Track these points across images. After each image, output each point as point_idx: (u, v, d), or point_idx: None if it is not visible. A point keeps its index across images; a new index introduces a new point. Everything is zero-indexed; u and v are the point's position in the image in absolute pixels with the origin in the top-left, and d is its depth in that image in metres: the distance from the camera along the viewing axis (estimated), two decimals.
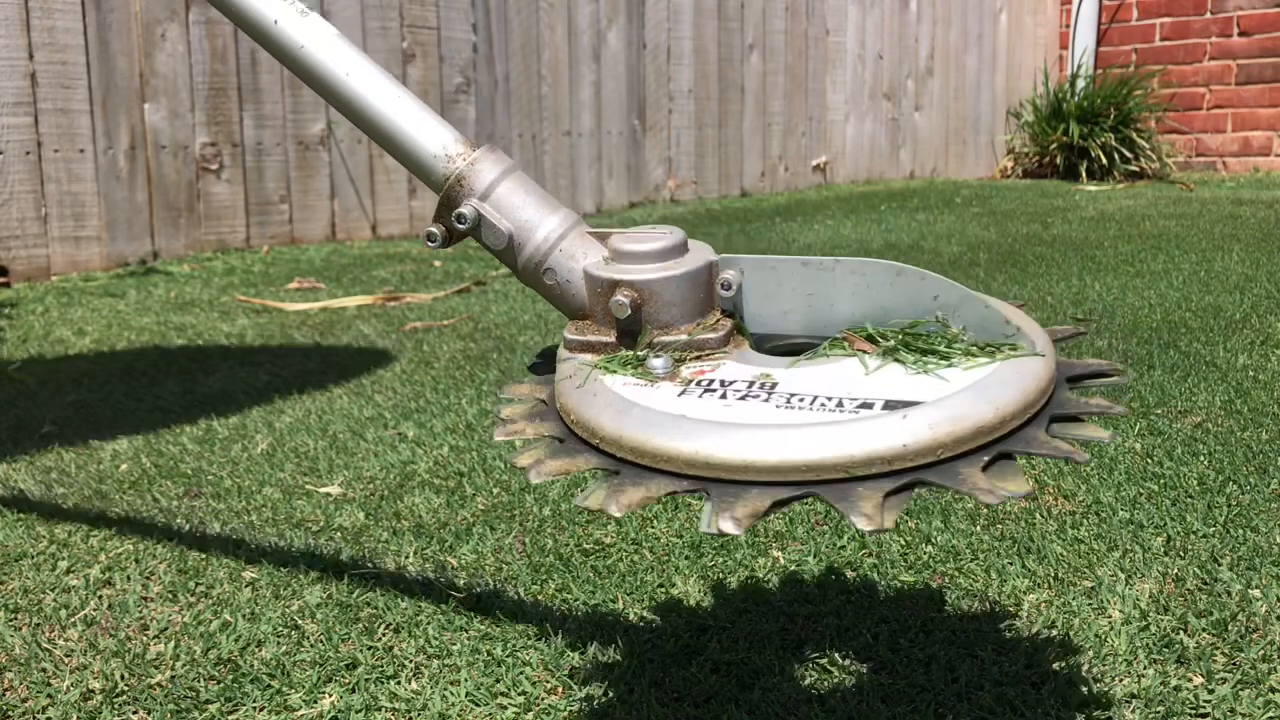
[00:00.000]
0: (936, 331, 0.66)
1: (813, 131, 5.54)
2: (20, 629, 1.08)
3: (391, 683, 0.96)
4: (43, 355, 2.29)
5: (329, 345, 2.34)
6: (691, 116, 5.00)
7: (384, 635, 1.05)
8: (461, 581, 1.16)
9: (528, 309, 2.64)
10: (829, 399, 0.61)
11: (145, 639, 1.05)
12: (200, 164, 3.54)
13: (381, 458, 1.56)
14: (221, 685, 0.96)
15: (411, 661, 1.00)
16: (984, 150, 6.40)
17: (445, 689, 0.95)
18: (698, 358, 0.70)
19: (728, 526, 0.54)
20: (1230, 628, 1.01)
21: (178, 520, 1.36)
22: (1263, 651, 0.97)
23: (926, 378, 0.62)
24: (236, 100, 3.59)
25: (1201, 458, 1.44)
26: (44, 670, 1.00)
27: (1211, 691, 0.91)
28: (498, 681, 0.96)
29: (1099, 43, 6.40)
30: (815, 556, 1.18)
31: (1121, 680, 0.93)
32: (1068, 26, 6.50)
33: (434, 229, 0.76)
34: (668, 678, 0.96)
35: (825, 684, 0.95)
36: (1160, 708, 0.89)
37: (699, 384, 0.66)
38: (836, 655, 0.99)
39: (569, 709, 0.92)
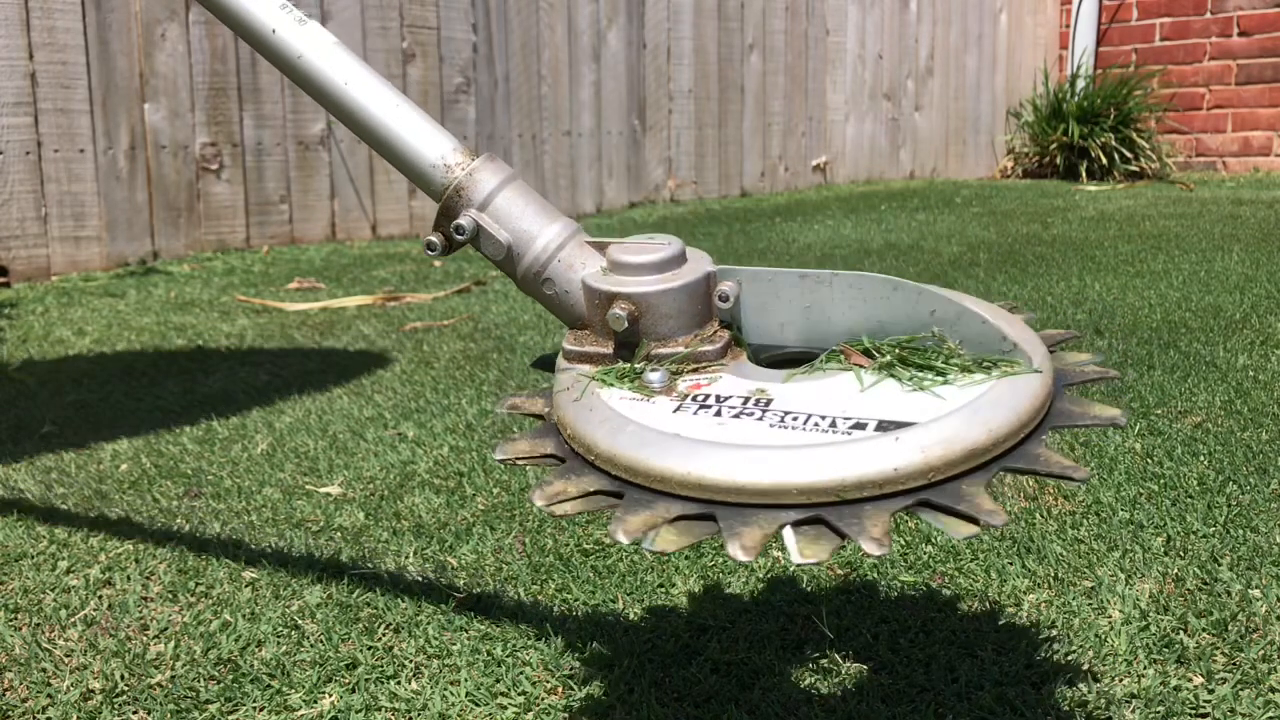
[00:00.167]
0: (933, 347, 0.66)
1: (813, 131, 5.55)
2: (20, 629, 1.08)
3: (391, 683, 0.96)
4: (43, 355, 2.29)
5: (329, 345, 2.34)
6: (691, 116, 5.00)
7: (384, 635, 1.05)
8: (461, 581, 1.16)
9: (528, 309, 2.64)
10: (823, 418, 0.61)
11: (145, 639, 1.05)
12: (200, 164, 3.54)
13: (381, 458, 1.56)
14: (221, 685, 0.96)
15: (411, 661, 1.00)
16: (984, 150, 6.40)
17: (445, 689, 0.95)
18: (695, 370, 0.70)
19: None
20: (1230, 628, 1.01)
21: (178, 520, 1.36)
22: (1263, 651, 0.97)
23: (922, 395, 0.62)
24: (236, 100, 3.59)
25: (1201, 458, 1.45)
26: (44, 670, 1.00)
27: (1211, 691, 0.91)
28: (498, 681, 0.96)
29: (1099, 43, 6.40)
30: None
31: (1121, 680, 0.93)
32: (1068, 26, 6.50)
33: (434, 238, 0.76)
34: (668, 678, 0.96)
35: (825, 684, 0.95)
36: (1160, 708, 0.89)
37: (694, 399, 0.66)
38: (836, 655, 0.99)
39: (569, 709, 0.92)
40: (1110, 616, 1.04)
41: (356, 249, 3.76)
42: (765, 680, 0.95)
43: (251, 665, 0.99)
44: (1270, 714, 0.88)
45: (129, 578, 1.18)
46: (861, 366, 0.66)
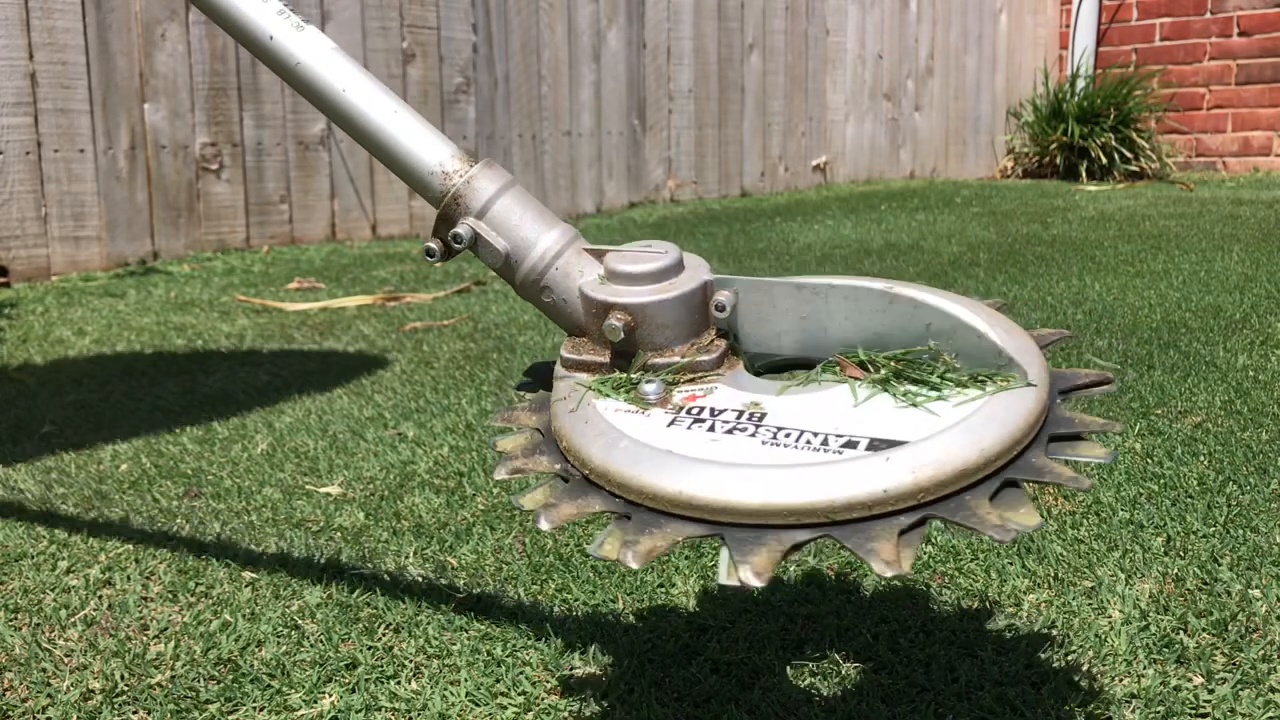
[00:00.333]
0: (928, 361, 0.66)
1: (813, 131, 5.55)
2: (20, 629, 1.08)
3: (391, 683, 0.96)
4: (43, 355, 2.29)
5: (329, 345, 2.34)
6: (691, 116, 5.00)
7: (384, 635, 1.05)
8: (461, 581, 1.16)
9: (528, 309, 2.64)
10: (815, 435, 0.61)
11: (145, 639, 1.05)
12: (200, 164, 3.54)
13: (381, 458, 1.56)
14: (221, 685, 0.96)
15: (411, 661, 1.00)
16: (984, 150, 6.40)
17: (445, 689, 0.95)
18: (691, 380, 0.70)
19: (749, 579, 0.54)
20: (1230, 628, 1.01)
21: (178, 520, 1.36)
22: (1263, 651, 0.97)
23: (915, 411, 0.62)
24: (236, 100, 3.59)
25: (1201, 458, 1.45)
26: (44, 670, 1.00)
27: (1211, 691, 0.91)
28: (498, 681, 0.96)
29: (1099, 43, 6.40)
30: (815, 556, 1.18)
31: (1121, 680, 0.93)
32: (1068, 26, 6.50)
33: (432, 244, 0.76)
34: (668, 678, 0.96)
35: (825, 684, 0.95)
36: (1160, 708, 0.89)
37: (689, 412, 0.66)
38: (836, 655, 0.99)
39: (569, 709, 0.92)
40: (1110, 616, 1.04)
41: (356, 249, 3.76)
42: (765, 680, 0.95)
43: (251, 665, 0.99)
44: (1270, 714, 0.88)
45: (129, 578, 1.18)
46: (857, 379, 0.66)
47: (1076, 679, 0.93)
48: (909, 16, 5.89)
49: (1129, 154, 5.75)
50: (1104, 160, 5.77)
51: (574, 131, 4.54)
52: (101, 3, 3.25)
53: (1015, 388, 0.62)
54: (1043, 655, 0.97)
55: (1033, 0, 6.45)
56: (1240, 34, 5.88)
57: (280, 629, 1.06)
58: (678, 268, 0.72)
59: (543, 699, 0.93)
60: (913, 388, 0.64)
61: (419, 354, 2.22)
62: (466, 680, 0.96)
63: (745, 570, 0.54)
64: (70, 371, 2.15)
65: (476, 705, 0.92)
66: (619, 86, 4.69)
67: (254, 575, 1.18)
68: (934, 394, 0.63)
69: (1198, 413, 1.64)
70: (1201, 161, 6.10)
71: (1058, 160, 6.01)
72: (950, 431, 0.59)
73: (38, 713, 0.93)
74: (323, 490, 1.45)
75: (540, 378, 0.80)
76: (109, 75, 3.29)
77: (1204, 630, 1.00)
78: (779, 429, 0.62)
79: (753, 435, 0.62)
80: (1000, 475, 0.59)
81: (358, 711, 0.92)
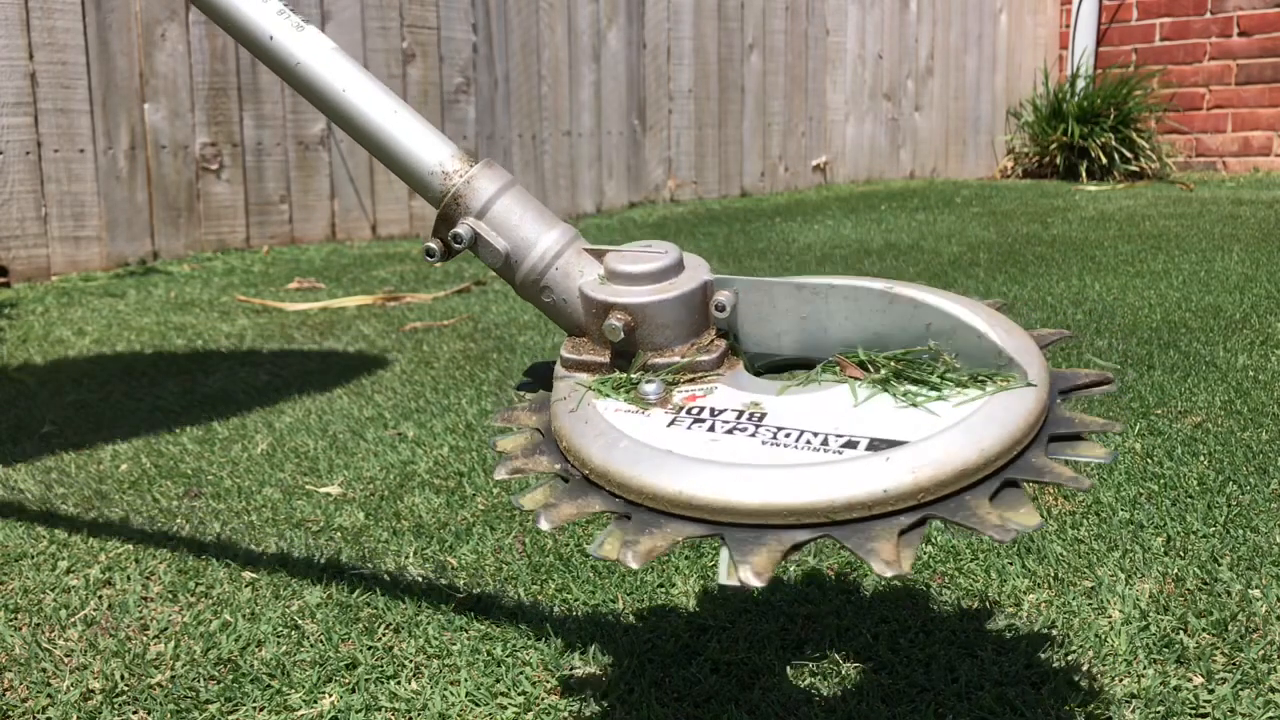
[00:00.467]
0: (928, 361, 0.66)
1: (813, 131, 5.55)
2: (20, 629, 1.08)
3: (391, 683, 0.96)
4: (43, 355, 2.29)
5: (329, 345, 2.34)
6: (691, 116, 5.00)
7: (384, 635, 1.05)
8: (461, 581, 1.16)
9: (528, 309, 2.64)
10: (815, 435, 0.61)
11: (145, 639, 1.05)
12: (200, 164, 3.54)
13: (381, 458, 1.56)
14: (221, 685, 0.96)
15: (411, 661, 1.00)
16: (984, 150, 6.40)
17: (445, 689, 0.95)
18: (691, 380, 0.70)
19: (749, 579, 0.54)
20: (1230, 628, 1.01)
21: (178, 520, 1.36)
22: (1263, 651, 0.97)
23: (915, 411, 0.62)
24: (236, 100, 3.59)
25: (1201, 458, 1.45)
26: (44, 670, 1.00)
27: (1211, 691, 0.91)
28: (498, 681, 0.96)
29: (1099, 43, 6.40)
30: (815, 556, 1.18)
31: (1121, 680, 0.93)
32: (1068, 26, 6.50)
33: (432, 244, 0.76)
34: (668, 678, 0.96)
35: (825, 684, 0.95)
36: (1160, 708, 0.89)
37: (689, 412, 0.66)
38: (836, 655, 0.99)
39: (569, 709, 0.92)
40: (1110, 616, 1.04)
41: (356, 249, 3.76)
42: (765, 680, 0.95)
43: (251, 665, 0.99)
44: (1270, 714, 0.88)
45: (129, 578, 1.18)
46: (857, 379, 0.66)
47: (1076, 679, 0.93)
48: (909, 16, 5.89)
49: (1129, 154, 5.75)
50: (1104, 160, 5.77)
51: (574, 131, 4.54)
52: (101, 3, 3.25)
53: (1015, 388, 0.62)
54: (1043, 655, 0.97)
55: (1033, 0, 6.45)
56: (1240, 34, 5.88)
57: (280, 629, 1.06)
58: (678, 268, 0.72)
59: (543, 699, 0.93)
60: (913, 388, 0.64)
61: (419, 354, 2.22)
62: (466, 680, 0.96)
63: (745, 570, 0.54)
64: (70, 371, 2.15)
65: (476, 705, 0.92)
66: (619, 86, 4.69)
67: (254, 575, 1.18)
68: (934, 394, 0.63)
69: (1198, 413, 1.64)
70: (1201, 161, 6.10)
71: (1058, 160, 6.01)
72: (950, 431, 0.59)
73: (38, 713, 0.93)
74: (323, 490, 1.45)
75: (540, 378, 0.80)
76: (109, 75, 3.29)
77: (1204, 630, 1.00)
78: (779, 429, 0.62)
79: (753, 435, 0.62)
80: (1000, 475, 0.59)
81: (358, 711, 0.92)
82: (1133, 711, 0.89)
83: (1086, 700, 0.90)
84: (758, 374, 0.73)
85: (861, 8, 5.65)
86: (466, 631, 1.05)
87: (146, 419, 1.81)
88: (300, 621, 1.07)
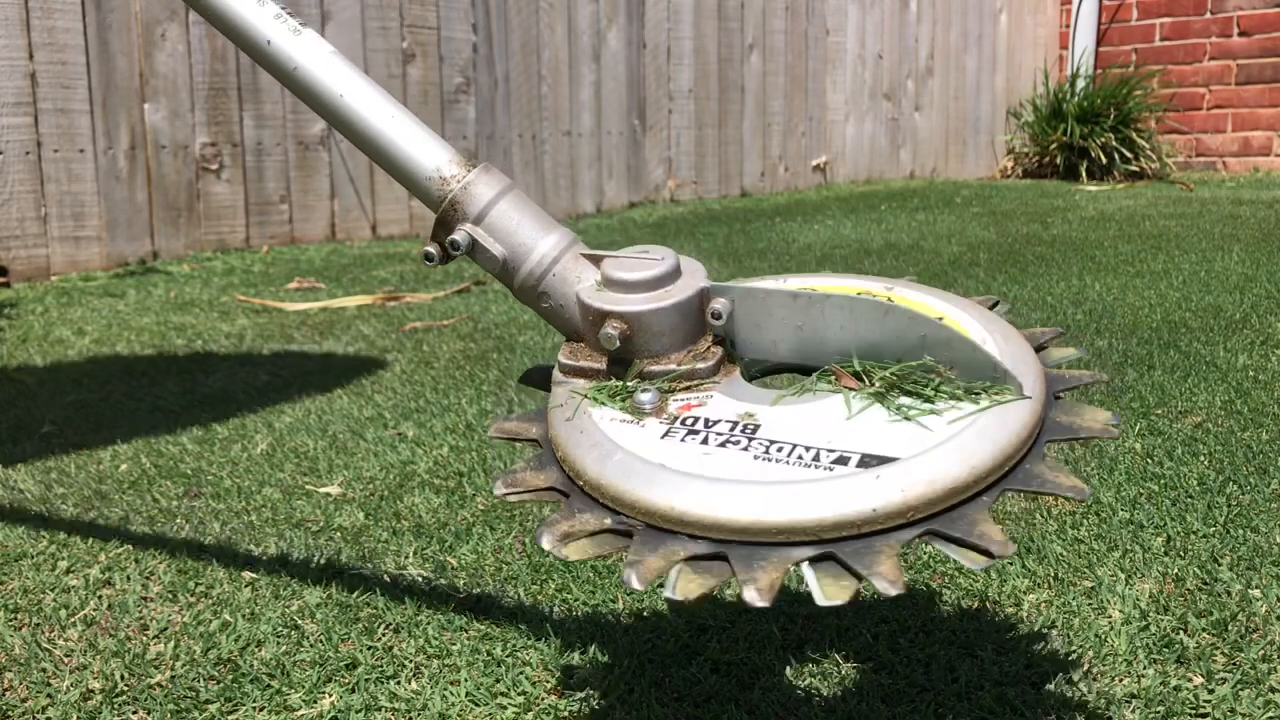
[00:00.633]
0: (922, 374, 0.66)
1: (813, 131, 5.54)
2: (20, 629, 1.08)
3: (391, 683, 0.96)
4: (43, 355, 2.29)
5: (329, 345, 2.34)
6: (691, 116, 5.00)
7: (384, 635, 1.05)
8: (461, 581, 1.16)
9: (527, 309, 2.64)
10: (807, 449, 0.61)
11: (145, 639, 1.05)
12: (200, 164, 3.54)
13: (381, 458, 1.56)
14: (221, 685, 0.96)
15: (411, 661, 1.00)
16: (984, 150, 6.40)
17: (445, 689, 0.95)
18: (687, 388, 0.70)
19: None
20: (1230, 628, 1.01)
21: (178, 520, 1.36)
22: (1263, 651, 0.97)
23: (908, 425, 0.62)
24: (236, 100, 3.59)
25: (1201, 458, 1.44)
26: (44, 670, 1.00)
27: (1211, 691, 0.91)
28: (498, 681, 0.96)
29: (1099, 43, 6.40)
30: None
31: (1121, 680, 0.93)
32: (1068, 26, 6.50)
33: (430, 249, 0.76)
34: (668, 678, 0.96)
35: (825, 684, 0.95)
36: (1160, 708, 0.89)
37: (683, 423, 0.66)
38: (836, 655, 0.99)
39: (569, 709, 0.92)
40: (1110, 616, 1.04)
41: (356, 249, 3.76)
42: (765, 680, 0.95)
43: (251, 665, 0.99)
44: (1270, 714, 0.88)
45: (129, 578, 1.18)
46: (851, 389, 0.66)
47: (1076, 679, 0.93)
48: (909, 16, 5.89)
49: (1129, 154, 5.75)
50: (1104, 160, 5.77)
51: (574, 131, 4.54)
52: (101, 3, 3.25)
53: (1010, 401, 0.62)
54: (1043, 655, 0.97)
55: (1033, 0, 6.45)
56: (1240, 34, 5.88)
57: (280, 629, 1.06)
58: (674, 274, 0.72)
59: (543, 699, 0.93)
60: (907, 400, 0.64)
61: (419, 354, 2.22)
62: (466, 680, 0.96)
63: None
64: (70, 371, 2.15)
65: (476, 705, 0.92)
66: (619, 86, 4.69)
67: (254, 575, 1.18)
68: (928, 407, 0.63)
69: (1198, 413, 1.64)
70: (1201, 161, 6.10)
71: (1058, 160, 6.01)
72: (942, 448, 0.59)
73: (38, 713, 0.93)
74: (322, 490, 1.45)
75: (539, 382, 0.80)
76: (109, 75, 3.29)
77: (1204, 630, 1.00)
78: (771, 443, 0.62)
79: (745, 449, 0.62)
80: (998, 487, 0.59)
81: (358, 711, 0.92)
82: (1133, 711, 0.89)
83: (1086, 700, 0.90)
84: (754, 378, 0.73)
85: (861, 8, 5.65)
86: (466, 631, 1.05)
87: (146, 419, 1.81)
88: (300, 621, 1.07)
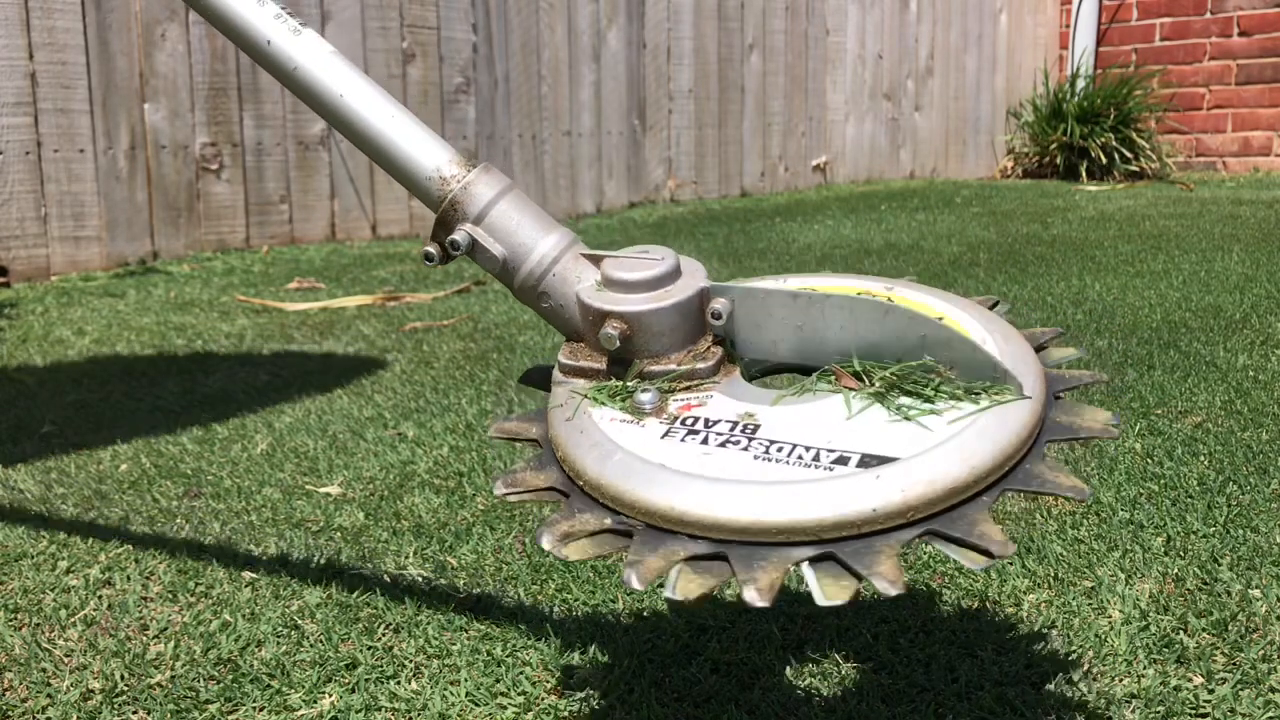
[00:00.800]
0: (922, 374, 0.66)
1: (813, 131, 5.54)
2: (20, 629, 1.08)
3: (391, 683, 0.96)
4: (43, 355, 2.29)
5: (329, 345, 2.34)
6: (691, 116, 5.00)
7: (384, 635, 1.05)
8: (461, 581, 1.16)
9: (527, 309, 2.64)
10: (806, 449, 0.61)
11: (145, 639, 1.05)
12: (200, 164, 3.54)
13: (381, 458, 1.56)
14: (221, 685, 0.96)
15: (411, 661, 1.00)
16: (984, 150, 6.40)
17: (445, 689, 0.95)
18: (687, 388, 0.70)
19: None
20: (1230, 628, 1.01)
21: (178, 520, 1.36)
22: (1263, 651, 0.97)
23: (907, 425, 0.62)
24: (236, 100, 3.59)
25: (1201, 458, 1.44)
26: (44, 670, 1.00)
27: (1211, 691, 0.91)
28: (498, 681, 0.96)
29: (1099, 43, 6.40)
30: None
31: (1121, 680, 0.93)
32: (1068, 26, 6.50)
33: (430, 249, 0.76)
34: (668, 678, 0.96)
35: (825, 684, 0.95)
36: (1160, 708, 0.89)
37: (683, 423, 0.66)
38: (836, 655, 0.99)
39: (569, 709, 0.92)
40: (1110, 616, 1.04)
41: (356, 249, 3.76)
42: (765, 680, 0.95)
43: (251, 665, 0.99)
44: (1270, 714, 0.88)
45: (129, 578, 1.18)
46: (851, 389, 0.66)
47: (1076, 679, 0.93)
48: (909, 16, 5.89)
49: (1129, 154, 5.75)
50: (1104, 160, 5.77)
51: (574, 131, 4.54)
52: (101, 3, 3.25)
53: (1010, 401, 0.62)
54: (1043, 655, 0.97)
55: (1033, 0, 6.45)
56: (1240, 34, 5.88)
57: (280, 629, 1.06)
58: (674, 274, 0.72)
59: (543, 699, 0.93)
60: (907, 400, 0.64)
61: (419, 354, 2.22)
62: (466, 680, 0.96)
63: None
64: (70, 371, 2.15)
65: (476, 705, 0.92)
66: (619, 86, 4.69)
67: (254, 575, 1.18)
68: (928, 407, 0.63)
69: (1198, 413, 1.64)
70: (1201, 161, 6.10)
71: (1058, 160, 6.01)
72: (942, 448, 0.59)
73: (38, 713, 0.93)
74: (322, 490, 1.45)
75: (539, 382, 0.80)
76: (109, 75, 3.29)
77: (1204, 630, 1.00)
78: (771, 443, 0.62)
79: (745, 449, 0.62)
80: (998, 487, 0.59)
81: (358, 711, 0.92)
82: (1133, 711, 0.89)
83: (1086, 700, 0.90)
84: (754, 378, 0.73)
85: (861, 8, 5.65)
86: (466, 631, 1.05)
87: (146, 419, 1.81)
88: (300, 621, 1.07)
